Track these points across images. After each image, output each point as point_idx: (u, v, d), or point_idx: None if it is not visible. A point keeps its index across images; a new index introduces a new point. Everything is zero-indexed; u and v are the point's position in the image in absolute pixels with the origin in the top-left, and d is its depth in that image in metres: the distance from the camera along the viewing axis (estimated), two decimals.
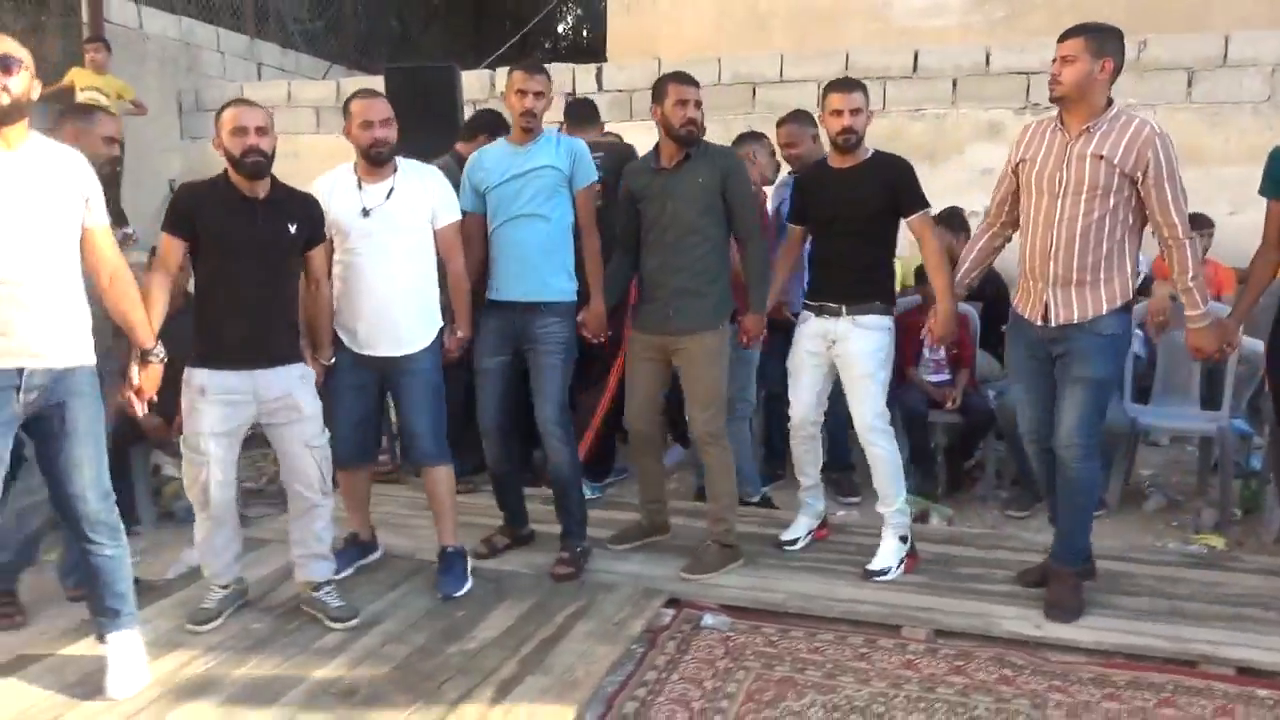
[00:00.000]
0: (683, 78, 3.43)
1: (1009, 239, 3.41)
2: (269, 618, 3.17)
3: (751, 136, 4.50)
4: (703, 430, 3.53)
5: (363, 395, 3.40)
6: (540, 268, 3.47)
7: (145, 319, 2.79)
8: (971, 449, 4.82)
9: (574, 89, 7.28)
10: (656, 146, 3.52)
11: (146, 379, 2.79)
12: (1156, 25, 6.62)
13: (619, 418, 4.56)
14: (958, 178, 6.20)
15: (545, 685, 2.73)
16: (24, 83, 2.48)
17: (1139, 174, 2.96)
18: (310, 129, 7.77)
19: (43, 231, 2.50)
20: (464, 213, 3.52)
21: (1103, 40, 2.98)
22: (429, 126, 4.72)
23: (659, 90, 3.43)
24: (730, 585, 3.43)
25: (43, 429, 2.60)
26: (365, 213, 3.26)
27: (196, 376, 2.98)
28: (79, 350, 2.61)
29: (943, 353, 4.57)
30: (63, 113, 3.48)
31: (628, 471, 4.75)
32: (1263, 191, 3.13)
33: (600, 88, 7.17)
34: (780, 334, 4.24)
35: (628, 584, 3.42)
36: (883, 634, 3.13)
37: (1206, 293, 3.10)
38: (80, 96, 6.80)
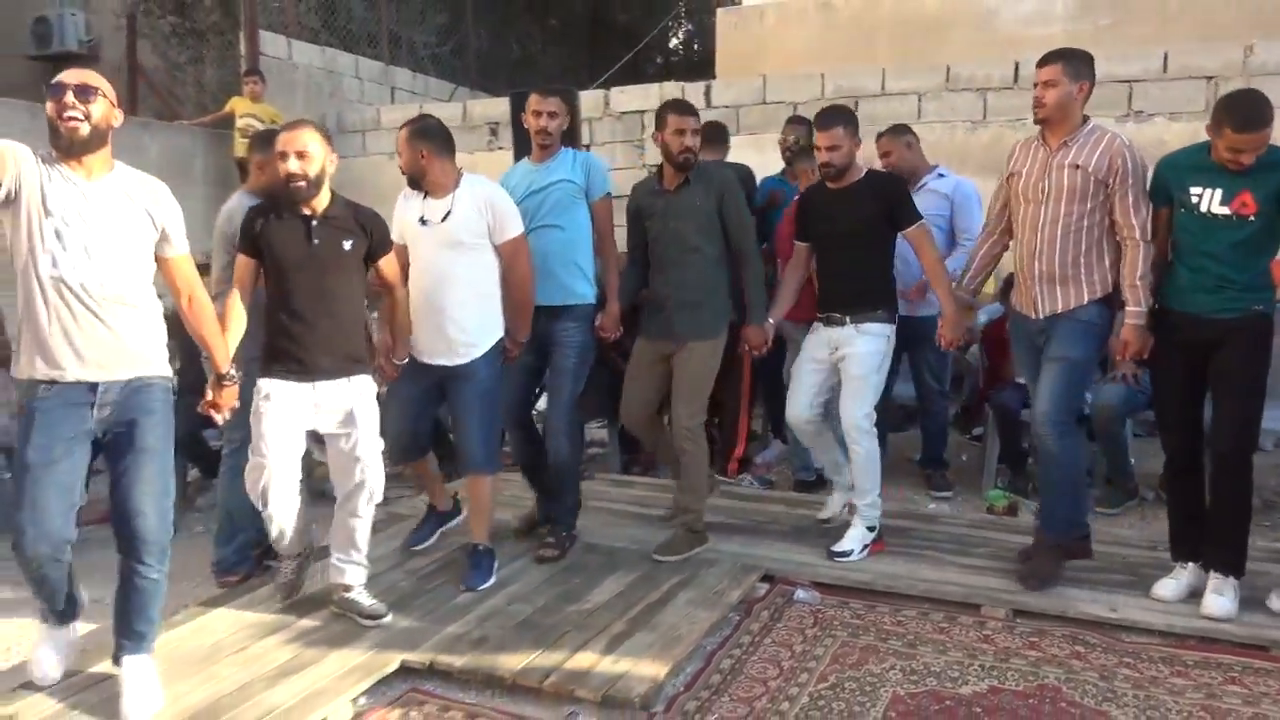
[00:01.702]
0: (682, 108, 3.73)
1: (1007, 246, 3.65)
2: (411, 579, 3.63)
3: (804, 153, 4.71)
4: (682, 425, 3.75)
5: (418, 399, 3.60)
6: (559, 274, 3.74)
7: (223, 344, 2.93)
8: None
9: None
10: (660, 168, 3.83)
11: (223, 397, 2.93)
12: (1267, 29, 6.57)
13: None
14: None
15: (651, 641, 3.08)
16: (102, 109, 2.55)
17: (1111, 179, 3.26)
18: None
19: (116, 257, 2.59)
20: None
21: (1078, 65, 3.33)
22: None
23: (660, 119, 3.71)
24: (822, 565, 3.72)
25: (115, 446, 2.67)
26: (423, 221, 3.48)
27: (263, 385, 3.13)
28: (150, 366, 2.69)
29: None
30: (251, 142, 3.96)
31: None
32: (1150, 198, 3.34)
33: (709, 104, 7.49)
34: None
35: (727, 560, 3.75)
36: (963, 612, 3.37)
37: (1149, 296, 3.31)
38: (239, 123, 7.56)
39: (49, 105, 2.53)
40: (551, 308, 3.74)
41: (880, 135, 4.82)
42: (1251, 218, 3.09)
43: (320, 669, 2.91)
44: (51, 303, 2.54)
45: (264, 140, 3.81)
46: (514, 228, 3.56)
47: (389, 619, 3.22)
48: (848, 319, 3.76)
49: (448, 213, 3.47)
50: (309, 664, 2.94)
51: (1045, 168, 3.38)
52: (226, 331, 3.01)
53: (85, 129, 2.51)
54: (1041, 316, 3.44)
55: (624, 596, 3.44)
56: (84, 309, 2.55)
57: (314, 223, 3.10)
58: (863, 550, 3.76)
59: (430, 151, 3.46)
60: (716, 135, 5.17)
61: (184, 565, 3.98)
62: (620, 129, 7.86)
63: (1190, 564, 3.36)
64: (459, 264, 3.48)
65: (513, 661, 2.94)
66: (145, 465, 2.65)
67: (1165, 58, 6.17)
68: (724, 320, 3.85)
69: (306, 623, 3.24)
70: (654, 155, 7.63)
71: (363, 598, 3.27)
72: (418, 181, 3.51)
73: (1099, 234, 3.36)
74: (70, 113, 2.50)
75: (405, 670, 2.98)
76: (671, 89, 7.75)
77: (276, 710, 2.67)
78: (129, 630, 2.74)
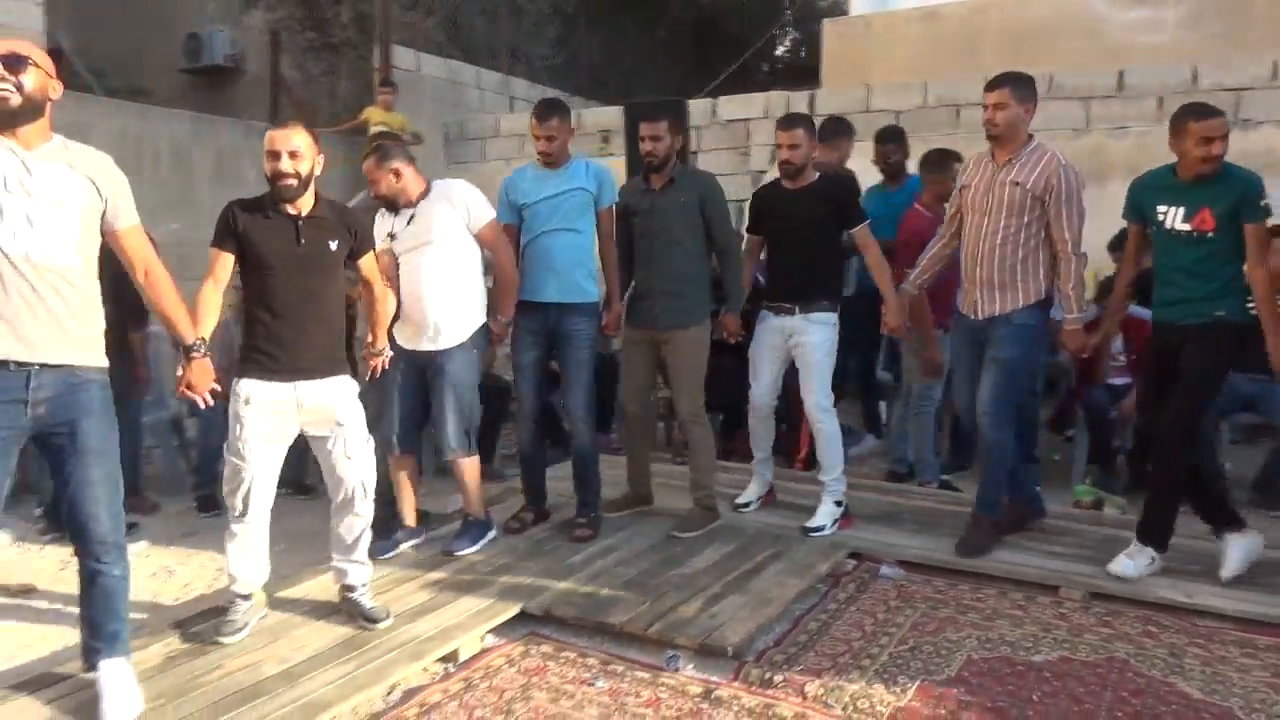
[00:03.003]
0: (646, 116, 4.09)
1: (955, 249, 4.00)
2: (528, 542, 4.04)
3: (938, 160, 4.93)
4: (686, 411, 4.11)
5: (408, 389, 3.83)
6: (570, 273, 3.99)
7: (185, 316, 2.82)
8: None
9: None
10: (646, 170, 4.14)
11: (193, 373, 2.85)
12: None
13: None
14: None
15: (744, 601, 3.40)
16: (36, 80, 2.44)
17: (1046, 196, 3.54)
18: None
19: (60, 229, 2.47)
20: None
21: (1024, 88, 3.67)
22: None
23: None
24: (908, 545, 3.97)
25: (54, 447, 2.56)
26: (391, 236, 3.73)
27: (242, 387, 3.07)
28: (86, 355, 2.56)
29: (1123, 358, 4.88)
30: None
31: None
32: (1125, 216, 3.68)
33: (813, 112, 7.74)
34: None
35: (817, 538, 4.03)
36: (1042, 593, 3.58)
37: (1083, 300, 3.74)
38: (373, 130, 8.15)
39: None
40: (562, 304, 4.01)
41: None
42: (1210, 234, 3.36)
43: (452, 609, 3.32)
44: None
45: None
46: (486, 215, 3.82)
47: (389, 622, 3.18)
48: (797, 309, 4.11)
49: (411, 217, 3.74)
50: (442, 605, 3.35)
51: (991, 182, 3.71)
52: (199, 323, 2.95)
53: (16, 99, 2.41)
54: (981, 317, 3.81)
55: (720, 564, 3.75)
56: (23, 282, 2.43)
57: (300, 223, 3.07)
58: (833, 525, 4.11)
59: (402, 166, 3.72)
60: (824, 133, 5.39)
61: (317, 531, 4.48)
62: (726, 136, 8.17)
63: (1226, 534, 3.65)
64: (431, 261, 3.73)
65: (620, 612, 3.30)
66: (91, 468, 2.56)
67: (1275, 66, 6.18)
68: (706, 309, 4.16)
69: (435, 573, 3.66)
70: (759, 160, 7.96)
71: (365, 599, 3.25)
72: (393, 203, 3.75)
73: (1035, 245, 3.70)
74: (0, 85, 2.41)
75: (525, 616, 3.36)
76: (777, 98, 8.04)
77: (417, 640, 3.08)
78: (102, 632, 2.69)
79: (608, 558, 3.84)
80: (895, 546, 3.96)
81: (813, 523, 4.10)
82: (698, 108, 8.21)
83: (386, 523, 3.98)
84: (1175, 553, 3.82)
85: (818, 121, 5.03)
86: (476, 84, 10.18)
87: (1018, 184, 3.65)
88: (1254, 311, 3.46)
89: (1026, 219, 3.68)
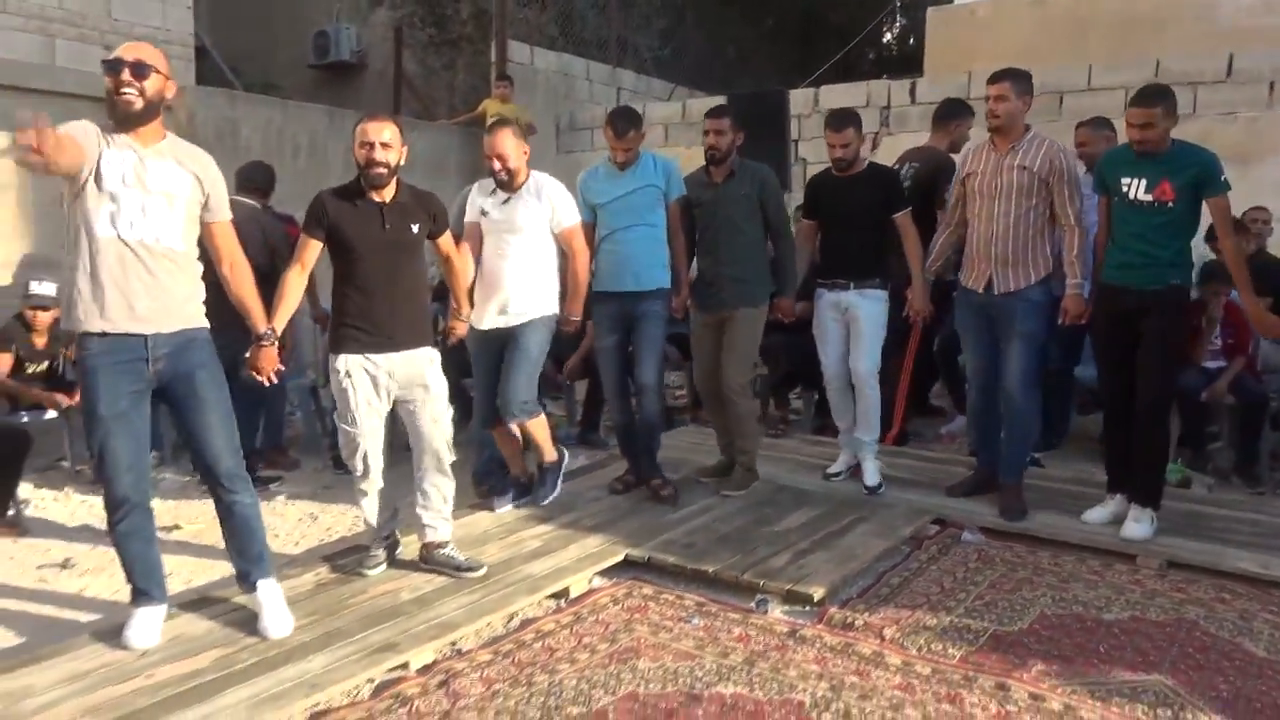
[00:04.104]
0: (712, 113, 4.40)
1: (963, 237, 4.31)
2: (630, 500, 4.40)
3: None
4: (733, 381, 4.39)
5: (489, 368, 4.07)
6: (646, 263, 4.28)
7: (260, 308, 3.11)
8: (1254, 432, 5.05)
9: (889, 102, 8.06)
10: (708, 163, 4.40)
11: (260, 358, 3.15)
12: None
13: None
14: (1274, 177, 6.28)
15: (828, 557, 3.67)
16: (156, 85, 2.74)
17: (1051, 178, 3.97)
18: (660, 143, 9.15)
19: (169, 218, 2.80)
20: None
21: (1023, 83, 4.01)
22: (761, 140, 5.72)
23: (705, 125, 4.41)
24: (990, 512, 4.16)
25: (175, 397, 2.93)
26: (484, 212, 4.01)
27: (340, 362, 3.38)
28: (193, 320, 2.93)
29: (1219, 341, 4.93)
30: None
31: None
32: (1094, 189, 4.01)
33: (914, 101, 7.87)
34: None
35: (903, 504, 4.28)
36: (1119, 560, 3.74)
37: (1086, 269, 4.01)
38: (489, 121, 8.61)
39: (106, 80, 2.74)
40: (638, 292, 4.28)
41: (1080, 125, 5.13)
42: (1170, 204, 3.64)
43: (564, 553, 3.69)
44: (108, 260, 2.74)
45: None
46: (570, 219, 4.07)
47: (483, 570, 3.49)
48: (851, 285, 4.45)
49: (506, 200, 3.98)
50: (555, 549, 3.73)
51: (997, 168, 4.07)
52: (283, 302, 3.28)
53: (139, 104, 2.72)
54: (997, 293, 4.11)
55: (809, 525, 4.03)
56: (139, 264, 2.77)
57: (385, 209, 3.33)
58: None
59: (527, 152, 4.01)
60: (938, 115, 5.58)
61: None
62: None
63: (1118, 495, 4.01)
64: (516, 247, 3.99)
65: (714, 561, 3.62)
66: (210, 414, 2.94)
67: None
68: (767, 291, 4.48)
69: (546, 525, 4.04)
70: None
71: (456, 554, 3.55)
72: (505, 174, 3.92)
73: (1042, 224, 4.07)
74: (126, 89, 2.71)
75: (629, 563, 3.71)
76: (878, 87, 8.18)
77: (532, 578, 3.47)
78: (251, 555, 3.08)
79: (704, 516, 4.16)
80: (977, 514, 4.16)
81: (869, 482, 4.48)
82: (800, 97, 8.39)
83: (501, 481, 4.41)
84: (1257, 528, 3.95)
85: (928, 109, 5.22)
86: (586, 76, 10.57)
87: (1025, 168, 3.98)
88: None
89: (1035, 200, 4.03)
